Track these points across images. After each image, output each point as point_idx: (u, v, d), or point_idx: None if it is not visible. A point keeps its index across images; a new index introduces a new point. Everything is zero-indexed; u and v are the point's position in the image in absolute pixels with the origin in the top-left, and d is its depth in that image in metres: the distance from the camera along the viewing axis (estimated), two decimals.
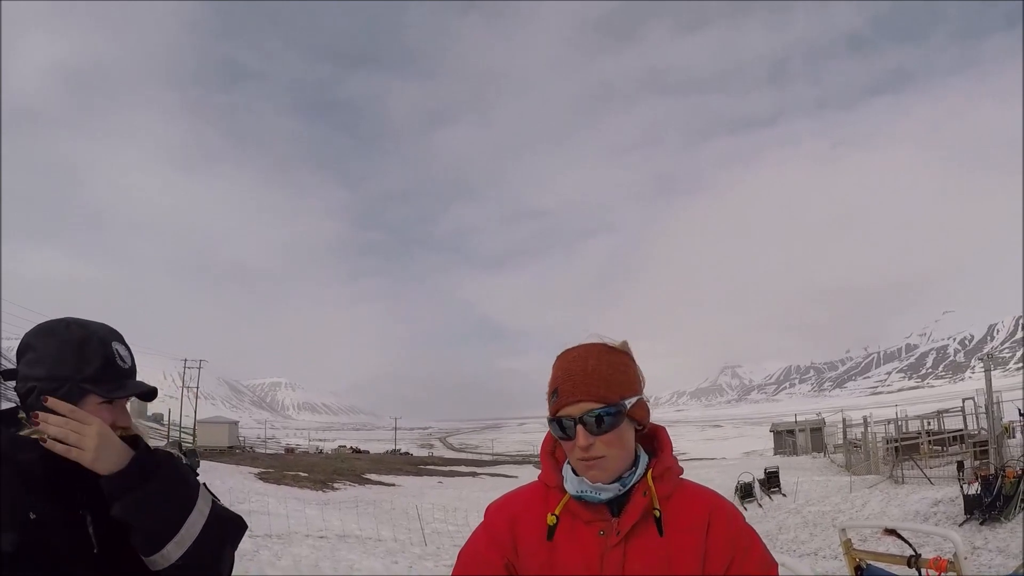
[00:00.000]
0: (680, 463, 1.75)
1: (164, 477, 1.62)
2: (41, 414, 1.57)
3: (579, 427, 1.61)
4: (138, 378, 1.79)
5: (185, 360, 77.73)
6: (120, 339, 1.75)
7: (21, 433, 1.61)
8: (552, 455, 1.77)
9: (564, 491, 1.68)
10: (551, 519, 1.66)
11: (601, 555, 1.61)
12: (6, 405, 1.70)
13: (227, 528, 1.73)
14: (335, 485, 35.70)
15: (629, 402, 1.64)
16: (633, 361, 1.72)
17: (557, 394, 1.65)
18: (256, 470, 39.14)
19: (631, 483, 1.65)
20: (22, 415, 1.64)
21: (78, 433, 1.56)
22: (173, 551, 1.58)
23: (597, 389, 1.62)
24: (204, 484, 1.78)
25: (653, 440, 1.76)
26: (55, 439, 1.56)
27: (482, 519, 1.80)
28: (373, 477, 44.57)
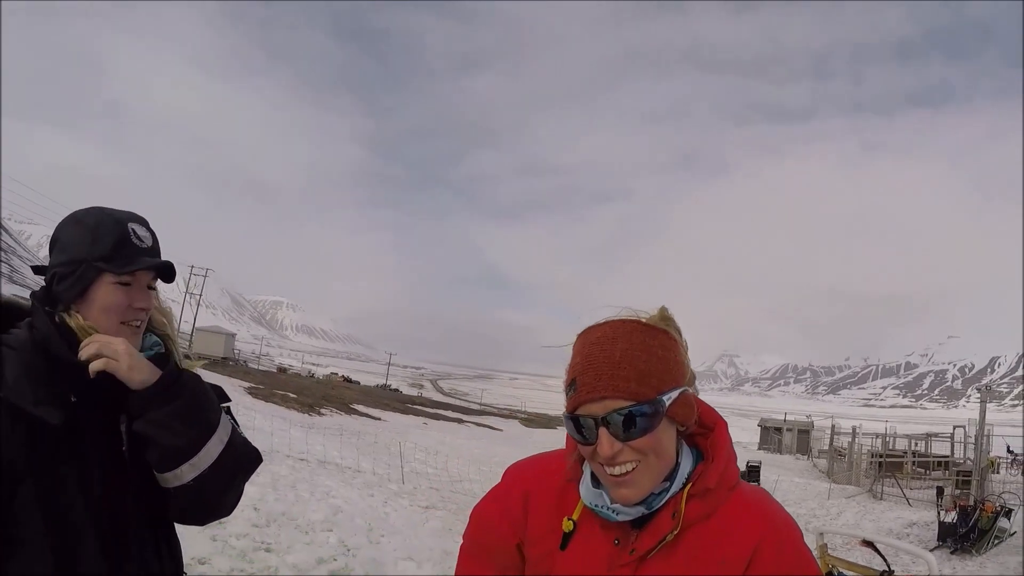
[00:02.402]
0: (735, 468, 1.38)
1: (189, 398, 1.62)
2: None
3: (602, 430, 1.25)
4: None
5: (192, 267, 78.31)
6: (140, 221, 1.72)
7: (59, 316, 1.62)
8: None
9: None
10: (567, 525, 1.37)
11: (608, 570, 1.32)
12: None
13: (242, 459, 1.73)
14: (322, 411, 36.12)
15: (669, 397, 1.26)
16: (676, 340, 1.32)
17: (575, 386, 1.27)
18: (246, 384, 39.62)
19: (658, 505, 1.30)
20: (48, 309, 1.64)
21: (111, 345, 1.57)
22: (187, 472, 1.59)
23: (627, 383, 1.23)
24: (227, 410, 1.77)
25: (707, 435, 1.38)
26: (91, 356, 1.57)
27: (500, 479, 1.56)
28: (360, 408, 45.04)
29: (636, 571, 1.30)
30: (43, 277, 1.68)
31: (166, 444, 1.57)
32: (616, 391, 1.23)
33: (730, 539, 1.28)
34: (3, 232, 48.40)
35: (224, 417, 1.70)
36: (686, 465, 1.34)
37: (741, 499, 1.34)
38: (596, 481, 1.36)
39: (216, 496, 1.68)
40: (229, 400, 1.84)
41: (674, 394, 1.27)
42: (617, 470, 1.26)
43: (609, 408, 1.23)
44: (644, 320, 1.32)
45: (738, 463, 1.44)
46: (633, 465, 1.26)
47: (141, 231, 1.69)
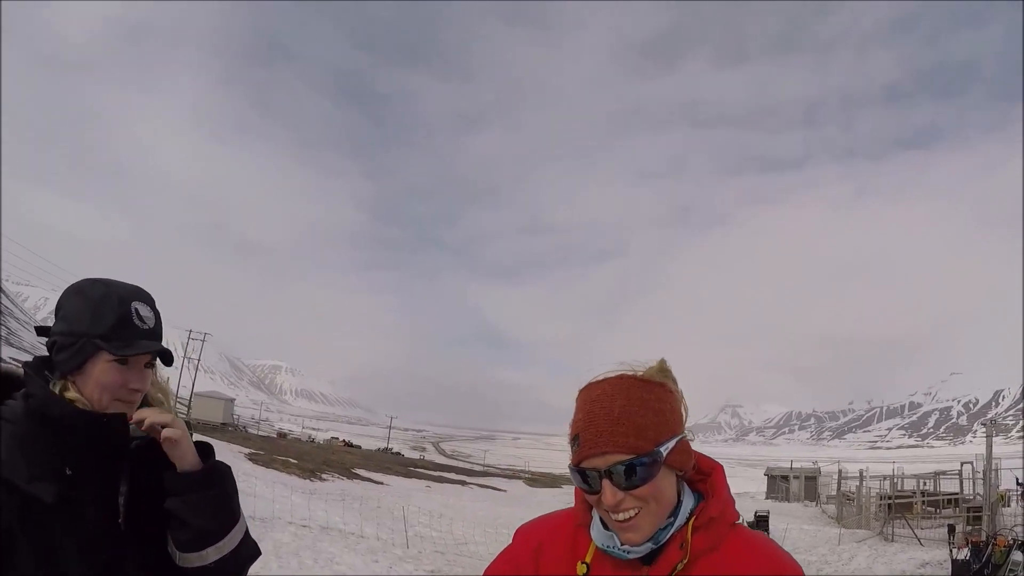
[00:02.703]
0: (735, 508, 1.51)
1: (227, 486, 1.70)
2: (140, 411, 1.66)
3: (605, 482, 1.37)
4: None
5: (190, 331, 78.12)
6: (144, 299, 1.74)
7: (51, 388, 1.65)
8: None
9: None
10: (581, 568, 1.46)
11: None
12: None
13: (252, 548, 1.78)
14: (323, 476, 35.70)
15: (666, 447, 1.39)
16: (671, 391, 1.46)
17: (579, 441, 1.40)
18: (247, 450, 39.24)
19: (665, 539, 1.42)
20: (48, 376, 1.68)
21: (172, 429, 1.64)
22: (211, 554, 1.64)
23: (626, 438, 1.36)
24: None
25: (705, 479, 1.51)
26: (159, 424, 1.63)
27: (511, 540, 1.65)
28: (362, 473, 44.51)
29: None
30: (44, 341, 1.70)
31: (199, 526, 1.62)
32: (616, 446, 1.36)
33: (739, 566, 1.38)
34: (1, 295, 48.23)
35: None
36: (688, 502, 1.46)
37: (743, 534, 1.45)
38: (606, 524, 1.47)
39: None
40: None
41: (671, 443, 1.41)
42: (621, 516, 1.39)
43: (611, 461, 1.37)
44: (641, 374, 1.45)
45: (745, 513, 1.56)
46: (635, 511, 1.38)
47: (144, 311, 1.72)
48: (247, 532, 1.74)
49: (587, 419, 1.40)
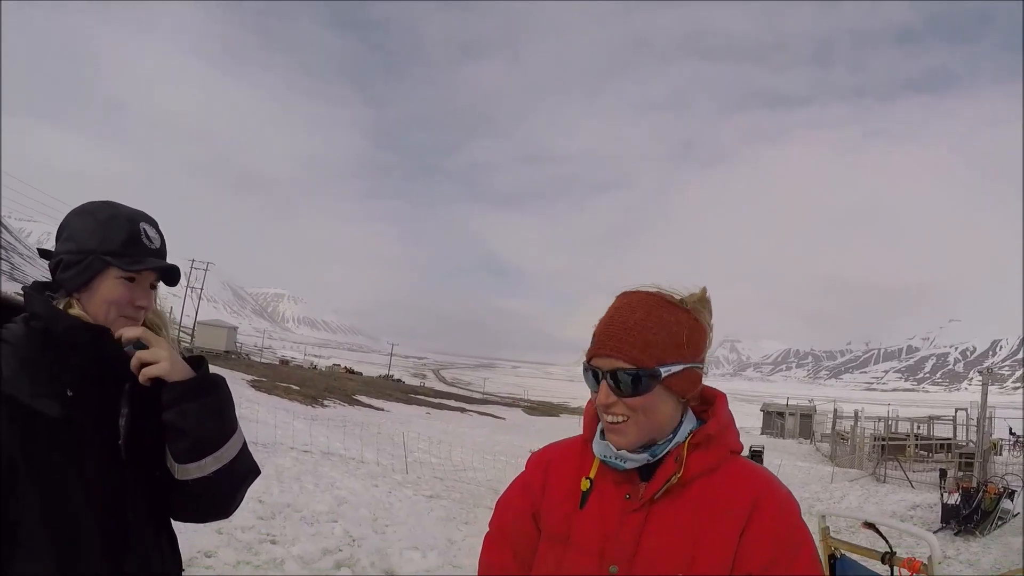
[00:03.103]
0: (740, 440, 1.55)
1: (222, 394, 1.70)
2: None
3: (603, 383, 1.44)
4: None
5: (192, 260, 78.23)
6: (151, 221, 1.75)
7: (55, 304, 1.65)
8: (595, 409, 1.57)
9: None
10: (585, 484, 1.53)
11: (620, 518, 1.46)
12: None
13: (251, 463, 1.78)
14: (325, 402, 36.17)
15: (668, 369, 1.43)
16: (695, 319, 1.48)
17: (594, 340, 1.48)
18: (249, 377, 39.68)
19: (662, 452, 1.46)
20: (50, 295, 1.68)
21: (152, 349, 1.62)
22: (211, 464, 1.63)
23: (631, 348, 1.41)
24: None
25: (707, 407, 1.55)
26: (133, 340, 1.63)
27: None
28: (363, 399, 45.14)
29: (645, 515, 1.44)
30: (47, 262, 1.69)
31: (197, 435, 1.62)
32: (620, 353, 1.42)
33: (733, 491, 1.42)
34: (3, 230, 48.30)
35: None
36: (689, 424, 1.51)
37: (744, 462, 1.50)
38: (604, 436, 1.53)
39: (230, 492, 1.72)
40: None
41: (675, 368, 1.43)
42: (610, 418, 1.46)
43: (613, 366, 1.43)
44: (671, 296, 1.49)
45: (740, 441, 1.57)
46: (624, 417, 1.45)
47: (151, 231, 1.73)
48: (245, 446, 1.74)
49: (606, 322, 1.47)
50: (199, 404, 1.62)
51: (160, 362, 1.61)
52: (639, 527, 1.43)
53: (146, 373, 1.60)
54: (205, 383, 1.66)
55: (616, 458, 1.48)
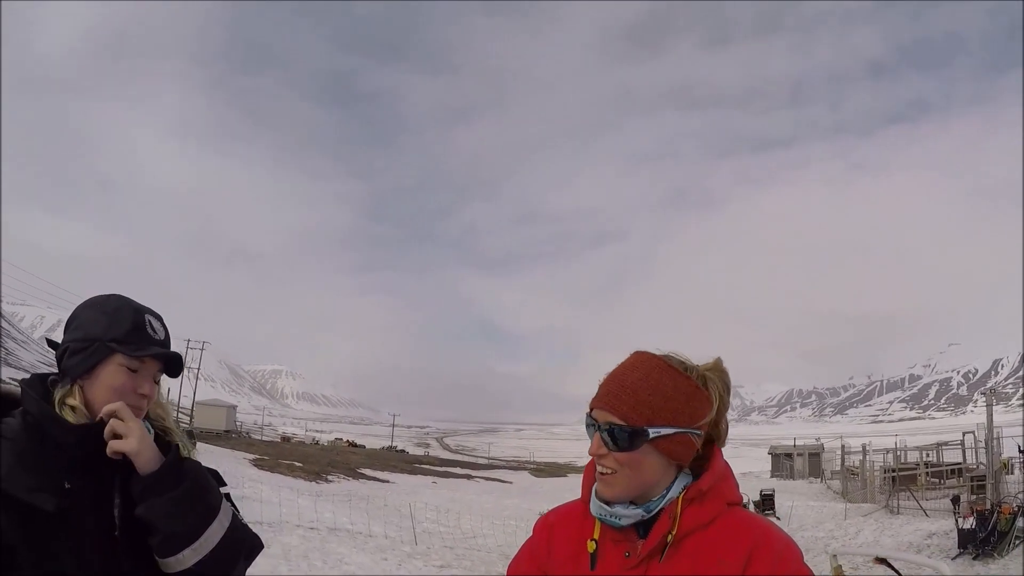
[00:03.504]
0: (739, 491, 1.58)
1: (192, 484, 1.67)
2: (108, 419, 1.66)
3: (597, 433, 1.52)
4: None
5: (188, 340, 78.02)
6: (156, 316, 1.82)
7: (56, 397, 1.68)
8: (594, 472, 1.61)
9: None
10: (591, 546, 1.56)
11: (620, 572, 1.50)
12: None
13: (243, 543, 1.76)
14: (329, 477, 35.75)
15: (657, 431, 1.48)
16: (696, 387, 1.52)
17: (598, 390, 1.56)
18: (251, 456, 39.25)
19: (656, 508, 1.51)
20: (54, 381, 1.72)
21: (123, 425, 1.64)
22: (189, 557, 1.62)
23: (621, 405, 1.49)
24: (227, 496, 1.82)
25: (705, 463, 1.57)
26: (110, 413, 1.65)
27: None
28: (368, 472, 44.59)
29: (644, 572, 1.47)
30: (55, 352, 1.75)
31: (168, 530, 1.61)
32: (612, 408, 1.50)
33: (730, 542, 1.44)
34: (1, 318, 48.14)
35: (225, 503, 1.74)
36: (684, 480, 1.54)
37: (741, 513, 1.51)
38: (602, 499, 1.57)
39: (223, 574, 1.70)
40: (226, 485, 1.88)
41: (665, 431, 1.49)
42: (599, 468, 1.53)
43: (606, 419, 1.51)
44: (676, 361, 1.55)
45: (750, 492, 1.63)
46: (612, 470, 1.51)
47: (156, 324, 1.79)
48: (233, 528, 1.72)
49: (609, 376, 1.55)
50: (166, 498, 1.62)
51: (128, 438, 1.62)
52: None
53: (112, 446, 1.62)
54: (170, 475, 1.64)
55: (610, 516, 1.52)
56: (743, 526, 1.47)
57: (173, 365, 1.79)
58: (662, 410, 1.48)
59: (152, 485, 1.62)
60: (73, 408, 1.67)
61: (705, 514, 1.48)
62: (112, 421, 1.64)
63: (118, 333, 1.70)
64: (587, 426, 1.56)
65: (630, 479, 1.50)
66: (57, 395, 1.68)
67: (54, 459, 1.59)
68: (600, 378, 1.58)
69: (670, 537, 1.46)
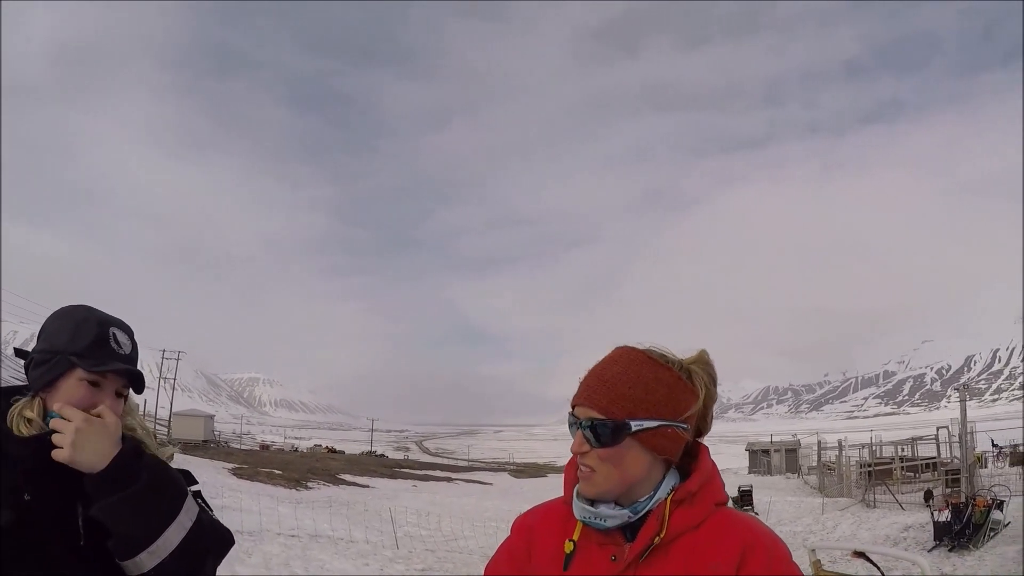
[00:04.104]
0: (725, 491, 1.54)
1: (143, 484, 1.59)
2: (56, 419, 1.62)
3: (579, 431, 1.47)
4: None
5: (163, 351, 77.22)
6: (124, 328, 1.77)
7: (13, 410, 1.65)
8: (576, 471, 1.55)
9: None
10: (568, 546, 1.50)
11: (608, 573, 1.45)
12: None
13: (210, 543, 1.70)
14: (309, 484, 35.47)
15: (639, 424, 1.43)
16: (679, 379, 1.48)
17: (578, 387, 1.52)
18: (230, 465, 38.85)
19: (643, 509, 1.46)
20: (17, 398, 1.69)
21: (60, 429, 1.58)
22: (146, 560, 1.56)
23: (601, 399, 1.45)
24: (195, 493, 1.76)
25: (692, 462, 1.53)
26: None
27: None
28: (347, 478, 44.32)
29: (635, 574, 1.42)
30: (23, 362, 1.73)
31: (123, 532, 1.55)
32: (592, 403, 1.46)
33: (720, 544, 1.40)
34: None
35: (188, 501, 1.67)
36: (671, 480, 1.49)
37: (729, 513, 1.48)
38: (586, 499, 1.51)
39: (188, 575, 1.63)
40: (197, 483, 1.83)
41: (648, 423, 1.43)
42: (581, 466, 1.49)
43: (587, 415, 1.46)
44: (657, 353, 1.51)
45: (728, 488, 1.61)
46: (593, 467, 1.46)
47: (122, 337, 1.74)
48: (196, 528, 1.64)
49: (589, 372, 1.51)
50: (117, 499, 1.55)
51: (63, 446, 1.55)
52: None
53: (53, 455, 1.56)
54: (119, 473, 1.57)
55: (595, 517, 1.47)
56: (733, 526, 1.44)
57: (137, 382, 1.75)
58: (643, 402, 1.43)
59: (100, 485, 1.55)
60: (29, 420, 1.64)
61: (694, 516, 1.44)
62: (53, 422, 1.59)
63: (80, 346, 1.66)
64: (569, 425, 1.51)
65: (612, 475, 1.45)
66: (14, 409, 1.65)
67: (12, 472, 1.55)
68: (581, 375, 1.53)
69: (657, 539, 1.41)
